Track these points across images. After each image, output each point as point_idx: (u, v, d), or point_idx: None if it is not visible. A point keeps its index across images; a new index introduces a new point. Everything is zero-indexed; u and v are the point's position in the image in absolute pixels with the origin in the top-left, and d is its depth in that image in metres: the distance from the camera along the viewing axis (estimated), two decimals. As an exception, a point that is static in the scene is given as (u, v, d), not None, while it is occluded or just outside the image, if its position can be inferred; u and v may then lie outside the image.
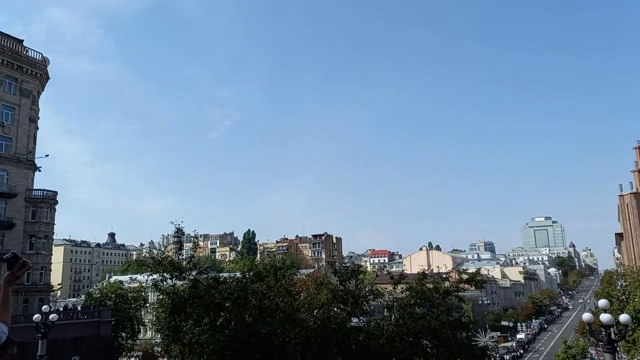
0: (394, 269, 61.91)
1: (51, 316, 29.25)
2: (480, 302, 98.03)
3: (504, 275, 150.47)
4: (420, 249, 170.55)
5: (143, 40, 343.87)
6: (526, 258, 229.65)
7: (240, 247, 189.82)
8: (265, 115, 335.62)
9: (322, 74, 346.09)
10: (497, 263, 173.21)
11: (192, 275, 23.28)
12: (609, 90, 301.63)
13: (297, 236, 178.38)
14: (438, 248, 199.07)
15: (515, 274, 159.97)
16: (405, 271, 30.79)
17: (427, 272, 26.37)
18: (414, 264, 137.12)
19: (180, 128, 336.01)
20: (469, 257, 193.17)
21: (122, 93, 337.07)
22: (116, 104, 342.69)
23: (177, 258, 25.20)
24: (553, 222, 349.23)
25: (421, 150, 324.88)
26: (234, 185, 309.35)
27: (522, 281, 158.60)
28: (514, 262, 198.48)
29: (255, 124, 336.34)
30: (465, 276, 24.95)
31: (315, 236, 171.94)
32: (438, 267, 34.19)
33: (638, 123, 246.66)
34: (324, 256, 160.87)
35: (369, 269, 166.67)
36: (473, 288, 25.69)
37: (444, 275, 28.88)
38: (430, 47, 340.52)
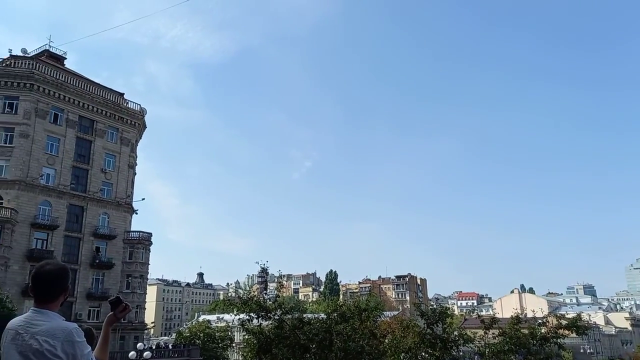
0: (483, 313, 58.66)
1: (145, 354, 30.47)
2: (582, 351, 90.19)
3: (607, 322, 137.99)
4: (512, 292, 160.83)
5: (227, 87, 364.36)
6: (632, 303, 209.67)
7: (322, 287, 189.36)
8: (345, 150, 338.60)
9: (400, 97, 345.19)
10: (599, 308, 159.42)
11: (277, 315, 23.37)
12: None
13: (379, 277, 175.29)
14: (531, 291, 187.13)
15: (620, 320, 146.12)
16: (497, 315, 28.99)
17: (521, 316, 24.73)
18: (505, 308, 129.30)
19: (262, 170, 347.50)
20: (567, 300, 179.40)
21: (207, 138, 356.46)
22: (201, 148, 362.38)
23: (262, 298, 25.43)
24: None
25: (509, 182, 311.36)
26: (316, 225, 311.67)
27: (630, 328, 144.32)
28: (618, 307, 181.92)
29: (335, 162, 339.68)
30: (564, 321, 23.12)
31: (398, 277, 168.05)
32: (534, 311, 31.94)
33: None
34: (408, 298, 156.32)
35: (456, 312, 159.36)
36: (573, 335, 23.70)
37: (540, 320, 26.90)
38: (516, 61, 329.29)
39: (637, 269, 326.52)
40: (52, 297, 3.69)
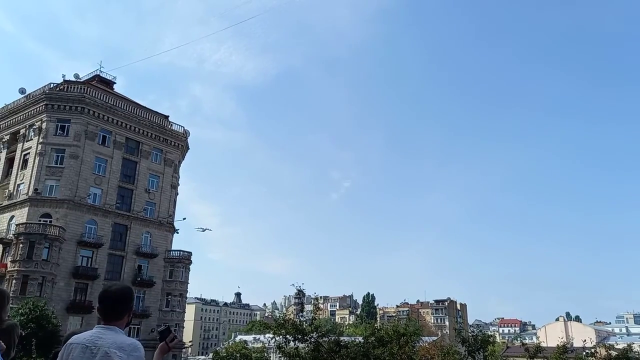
0: (527, 341, 56.61)
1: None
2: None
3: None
4: (557, 320, 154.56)
5: (269, 109, 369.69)
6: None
7: (359, 310, 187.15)
8: (385, 174, 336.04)
9: (446, 129, 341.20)
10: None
11: (314, 338, 23.25)
12: None
13: (418, 301, 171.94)
14: (578, 319, 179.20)
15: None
16: (541, 344, 27.97)
17: (567, 345, 23.77)
18: (550, 336, 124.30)
19: (301, 190, 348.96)
20: (616, 330, 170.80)
21: (248, 159, 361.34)
22: (243, 169, 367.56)
23: (298, 320, 25.40)
24: None
25: (550, 213, 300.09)
26: (353, 246, 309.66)
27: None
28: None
29: (374, 184, 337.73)
30: (614, 352, 22.10)
31: (437, 301, 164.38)
32: (584, 340, 30.62)
33: None
34: (447, 323, 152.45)
35: (498, 339, 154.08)
36: (625, 367, 22.55)
37: (588, 351, 25.78)
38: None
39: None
40: (119, 316, 3.98)
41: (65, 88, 64.46)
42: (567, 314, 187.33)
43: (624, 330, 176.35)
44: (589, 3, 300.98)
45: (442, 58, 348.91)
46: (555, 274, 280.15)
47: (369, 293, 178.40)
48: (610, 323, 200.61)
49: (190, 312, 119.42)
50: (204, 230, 78.89)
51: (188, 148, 77.13)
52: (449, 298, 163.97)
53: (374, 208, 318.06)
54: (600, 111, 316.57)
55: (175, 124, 74.44)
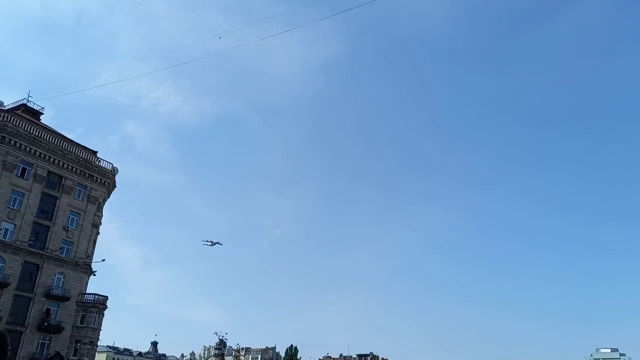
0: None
1: None
2: None
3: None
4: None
5: (206, 152, 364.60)
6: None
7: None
8: (316, 225, 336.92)
9: (377, 187, 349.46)
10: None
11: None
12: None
13: (341, 355, 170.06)
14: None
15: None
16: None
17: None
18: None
19: (233, 237, 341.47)
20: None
21: (179, 202, 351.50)
22: (173, 212, 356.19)
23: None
24: (621, 355, 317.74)
25: (468, 275, 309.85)
26: (279, 296, 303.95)
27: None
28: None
29: (305, 234, 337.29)
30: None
31: (360, 356, 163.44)
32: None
33: None
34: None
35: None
36: None
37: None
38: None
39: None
40: None
41: (-14, 115, 60.78)
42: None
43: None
44: (514, 75, 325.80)
45: (375, 118, 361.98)
46: (476, 333, 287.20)
47: (292, 345, 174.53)
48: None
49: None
50: (213, 244, 69.64)
51: (115, 186, 74.15)
52: (372, 352, 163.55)
53: (303, 258, 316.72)
54: (513, 184, 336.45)
55: (103, 160, 71.68)
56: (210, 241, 69.48)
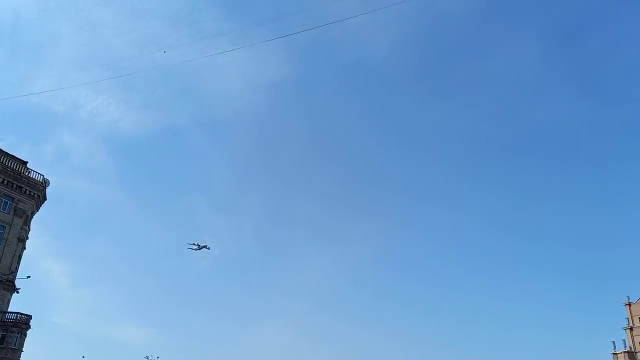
0: None
1: None
2: None
3: None
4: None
5: (145, 165, 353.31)
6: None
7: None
8: (259, 243, 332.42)
9: (320, 203, 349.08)
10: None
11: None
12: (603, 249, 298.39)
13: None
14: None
15: None
16: None
17: None
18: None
19: (170, 255, 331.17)
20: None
21: (114, 216, 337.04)
22: (108, 227, 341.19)
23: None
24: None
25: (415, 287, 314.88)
26: (220, 316, 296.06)
27: None
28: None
29: (247, 252, 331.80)
30: None
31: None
32: None
33: (629, 278, 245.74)
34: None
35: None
36: None
37: None
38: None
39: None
40: None
41: None
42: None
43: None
44: (451, 103, 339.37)
45: (322, 136, 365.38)
46: (438, 341, 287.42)
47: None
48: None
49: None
50: (199, 247, 63.02)
51: (45, 198, 70.59)
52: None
53: (244, 278, 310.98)
54: (464, 202, 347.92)
55: (34, 171, 68.22)
56: (197, 244, 64.44)
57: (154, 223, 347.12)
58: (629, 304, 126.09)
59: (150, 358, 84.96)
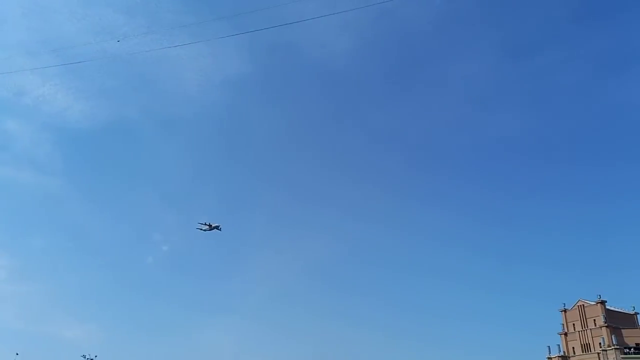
0: None
1: None
2: None
3: None
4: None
5: (94, 157, 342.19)
6: None
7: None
8: (209, 243, 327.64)
9: (270, 218, 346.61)
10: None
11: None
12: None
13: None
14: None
15: None
16: None
17: None
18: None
19: (115, 250, 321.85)
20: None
21: (59, 208, 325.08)
22: (51, 219, 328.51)
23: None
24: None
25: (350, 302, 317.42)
26: (164, 315, 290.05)
27: None
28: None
29: (196, 251, 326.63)
30: None
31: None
32: None
33: (563, 284, 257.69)
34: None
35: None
36: None
37: None
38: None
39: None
40: None
41: None
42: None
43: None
44: (402, 112, 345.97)
45: (283, 134, 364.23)
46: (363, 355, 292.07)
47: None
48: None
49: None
50: (210, 228, 59.44)
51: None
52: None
53: (192, 275, 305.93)
54: (393, 216, 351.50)
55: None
56: (208, 225, 61.87)
57: (101, 217, 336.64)
58: (565, 311, 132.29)
59: (87, 357, 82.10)
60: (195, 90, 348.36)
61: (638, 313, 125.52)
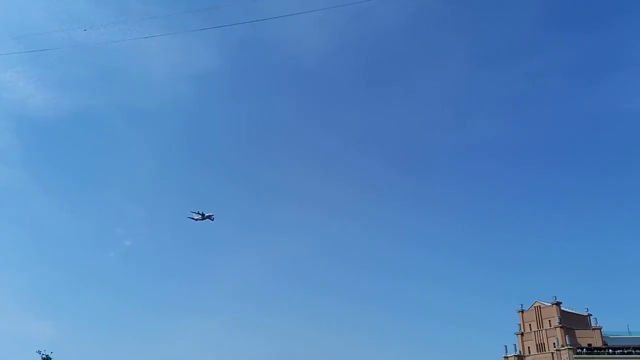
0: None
1: None
2: None
3: None
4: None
5: (55, 148, 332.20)
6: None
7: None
8: (175, 238, 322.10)
9: (237, 223, 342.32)
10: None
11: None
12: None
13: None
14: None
15: None
16: None
17: None
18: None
19: (76, 244, 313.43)
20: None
21: (16, 200, 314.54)
22: (8, 211, 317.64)
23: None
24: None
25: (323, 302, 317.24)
26: (120, 313, 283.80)
27: None
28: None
29: (161, 247, 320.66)
30: None
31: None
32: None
33: (522, 283, 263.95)
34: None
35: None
36: None
37: None
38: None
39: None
40: None
41: None
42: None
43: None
44: (378, 116, 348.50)
45: (251, 131, 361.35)
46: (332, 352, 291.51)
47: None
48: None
49: None
50: (203, 218, 57.24)
51: None
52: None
53: (157, 273, 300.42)
54: (369, 216, 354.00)
55: None
56: (201, 214, 60.51)
57: (61, 210, 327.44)
58: (522, 311, 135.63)
59: (42, 353, 79.85)
60: (163, 83, 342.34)
61: (591, 314, 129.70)
